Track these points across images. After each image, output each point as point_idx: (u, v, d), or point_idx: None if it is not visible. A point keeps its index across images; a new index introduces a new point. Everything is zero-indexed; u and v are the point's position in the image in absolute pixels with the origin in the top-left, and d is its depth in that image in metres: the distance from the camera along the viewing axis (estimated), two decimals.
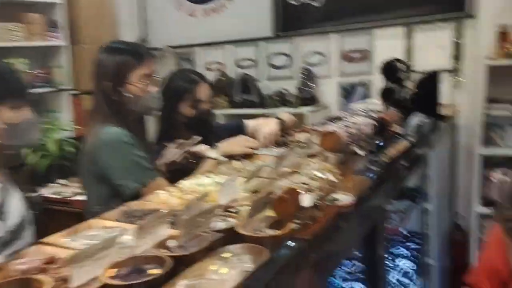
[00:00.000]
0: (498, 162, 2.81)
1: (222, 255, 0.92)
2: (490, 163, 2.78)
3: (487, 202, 2.74)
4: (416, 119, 2.05)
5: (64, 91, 3.65)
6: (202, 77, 2.16)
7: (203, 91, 2.11)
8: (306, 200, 1.01)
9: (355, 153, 1.39)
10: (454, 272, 2.65)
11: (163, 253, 0.92)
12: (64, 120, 3.61)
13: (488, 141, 2.77)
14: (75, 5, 3.70)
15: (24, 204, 1.50)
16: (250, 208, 1.00)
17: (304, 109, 3.32)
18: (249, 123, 2.22)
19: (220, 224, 1.05)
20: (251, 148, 1.88)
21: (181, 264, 0.88)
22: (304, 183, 1.06)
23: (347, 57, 3.42)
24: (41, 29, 3.50)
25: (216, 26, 3.88)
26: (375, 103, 2.68)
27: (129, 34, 4.28)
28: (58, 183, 3.36)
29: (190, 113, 2.06)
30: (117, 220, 1.24)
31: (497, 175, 2.75)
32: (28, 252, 1.05)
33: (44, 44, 3.55)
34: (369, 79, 3.33)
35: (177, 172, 1.70)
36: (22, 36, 3.38)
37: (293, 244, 0.96)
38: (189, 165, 1.78)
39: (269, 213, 1.05)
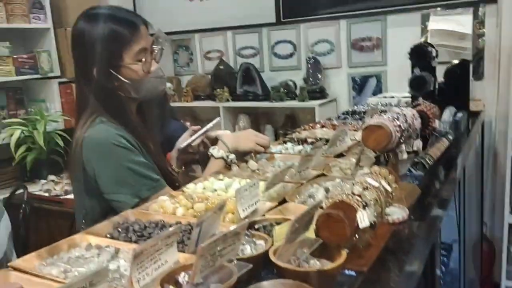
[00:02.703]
0: None
1: None
2: None
3: None
4: (449, 113, 1.81)
5: (52, 78, 3.35)
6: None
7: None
8: (364, 219, 0.75)
9: (399, 154, 1.14)
10: (481, 284, 2.43)
11: None
12: (53, 111, 3.32)
13: None
14: None
15: None
16: (288, 230, 0.74)
17: (312, 103, 3.07)
18: (225, 136, 1.56)
19: (247, 249, 0.80)
20: (260, 146, 1.53)
21: None
22: (354, 194, 0.81)
23: (357, 45, 3.16)
24: (23, 9, 3.19)
25: (215, 11, 3.60)
26: (397, 95, 2.46)
27: None
28: (47, 180, 3.07)
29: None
30: (109, 236, 0.98)
31: None
32: None
33: (27, 27, 3.24)
34: (382, 70, 3.08)
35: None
36: (2, 17, 3.06)
37: (349, 280, 0.71)
38: (206, 153, 1.48)
39: (312, 233, 0.79)
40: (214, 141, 1.54)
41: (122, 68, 1.30)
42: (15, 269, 0.84)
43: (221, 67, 3.53)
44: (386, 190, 0.86)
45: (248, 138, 1.54)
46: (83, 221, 1.32)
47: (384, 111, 1.08)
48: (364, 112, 2.18)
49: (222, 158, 1.43)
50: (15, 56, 3.18)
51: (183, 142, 1.54)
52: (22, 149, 2.94)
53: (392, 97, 2.48)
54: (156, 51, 1.36)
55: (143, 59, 1.32)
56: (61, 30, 3.40)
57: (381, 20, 3.05)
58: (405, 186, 1.10)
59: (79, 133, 1.30)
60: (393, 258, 0.84)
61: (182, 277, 0.71)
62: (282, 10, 3.34)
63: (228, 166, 1.43)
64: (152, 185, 1.28)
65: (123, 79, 1.31)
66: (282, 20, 3.37)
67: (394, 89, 2.91)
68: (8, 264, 0.85)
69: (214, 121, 1.57)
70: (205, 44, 3.74)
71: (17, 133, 2.90)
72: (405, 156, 1.16)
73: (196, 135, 1.54)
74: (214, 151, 1.44)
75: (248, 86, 3.38)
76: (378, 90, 3.07)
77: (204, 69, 3.78)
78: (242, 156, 1.52)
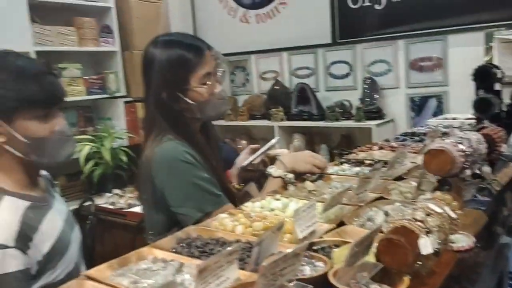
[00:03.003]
0: None
1: None
2: None
3: None
4: None
5: (118, 98, 3.57)
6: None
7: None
8: (427, 245, 0.74)
9: (464, 178, 1.11)
10: None
11: None
12: (118, 128, 3.53)
13: None
14: (126, 10, 3.63)
15: (69, 221, 1.31)
16: (348, 253, 0.75)
17: (368, 123, 3.03)
18: (283, 155, 1.57)
19: (307, 270, 0.81)
20: (317, 167, 1.52)
21: None
22: (416, 219, 0.80)
23: (416, 65, 3.10)
24: (93, 34, 3.44)
25: (270, 33, 3.69)
26: (459, 117, 2.37)
27: None
28: (112, 193, 3.25)
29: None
30: (173, 250, 1.03)
31: None
32: None
33: (97, 50, 3.49)
34: (443, 91, 2.99)
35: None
36: (74, 41, 3.32)
37: None
38: (263, 172, 1.50)
39: (372, 258, 0.79)
40: (273, 159, 1.57)
41: (188, 91, 1.37)
42: (88, 278, 0.90)
43: (277, 87, 3.59)
44: (450, 216, 0.84)
45: (305, 159, 1.54)
46: (151, 232, 1.40)
47: (446, 134, 1.05)
48: (424, 134, 2.12)
49: (280, 177, 1.44)
50: (85, 77, 3.42)
51: (243, 160, 1.59)
52: (90, 163, 3.14)
53: (454, 118, 2.39)
54: (219, 74, 1.43)
55: (208, 82, 1.39)
56: (128, 52, 3.62)
57: (441, 40, 2.98)
58: (471, 213, 1.06)
59: (149, 150, 1.38)
60: (458, 287, 0.81)
61: None
62: (338, 31, 3.36)
63: (285, 185, 1.45)
64: (215, 200, 1.33)
65: (189, 101, 1.38)
66: (338, 40, 3.38)
67: (456, 110, 2.81)
68: (83, 273, 0.92)
69: (274, 140, 1.61)
70: (261, 64, 3.83)
71: (86, 149, 3.10)
72: (469, 181, 1.12)
73: (258, 153, 1.58)
74: (272, 170, 1.46)
75: (303, 105, 3.40)
76: (439, 111, 2.98)
77: (259, 89, 3.86)
78: (298, 176, 1.53)
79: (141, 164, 1.42)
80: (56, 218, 1.24)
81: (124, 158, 3.18)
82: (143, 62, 1.43)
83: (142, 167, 1.41)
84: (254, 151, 1.63)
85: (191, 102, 1.38)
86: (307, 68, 3.57)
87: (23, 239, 1.10)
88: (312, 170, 1.53)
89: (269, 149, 1.59)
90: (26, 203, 1.16)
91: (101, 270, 0.91)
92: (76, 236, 1.32)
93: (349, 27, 3.31)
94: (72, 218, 1.35)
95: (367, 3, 3.18)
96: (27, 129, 1.13)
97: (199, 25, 4.09)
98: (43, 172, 1.33)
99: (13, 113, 1.10)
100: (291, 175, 1.46)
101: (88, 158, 3.12)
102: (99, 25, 3.51)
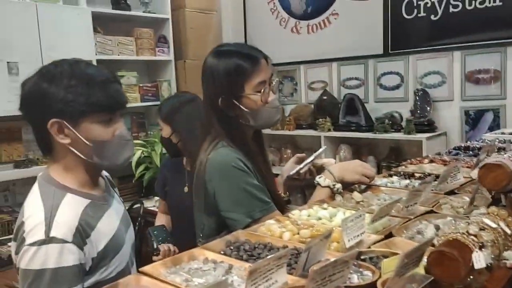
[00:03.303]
0: None
1: None
2: None
3: None
4: None
5: None
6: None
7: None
8: (480, 259, 0.73)
9: None
10: None
11: None
12: None
13: None
14: (181, 20, 3.77)
15: (125, 221, 1.35)
16: (398, 263, 0.75)
17: (419, 136, 2.96)
18: (332, 166, 1.59)
19: (355, 278, 0.82)
20: (367, 177, 1.52)
21: None
22: (469, 234, 0.79)
23: (472, 78, 3.00)
24: (150, 44, 3.60)
25: (321, 43, 3.70)
26: None
27: None
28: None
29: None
30: (222, 252, 1.06)
31: None
32: (124, 283, 0.91)
33: (152, 58, 3.65)
34: (500, 104, 2.87)
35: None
36: (133, 50, 3.50)
37: None
38: (312, 181, 1.52)
39: (421, 269, 0.78)
40: (319, 169, 1.58)
41: (243, 98, 1.42)
42: (144, 274, 0.95)
43: (325, 97, 3.59)
44: (505, 232, 0.82)
45: (355, 169, 1.53)
46: (201, 235, 1.45)
47: (503, 149, 1.02)
48: (479, 148, 2.04)
49: (329, 187, 1.45)
50: (140, 85, 3.59)
51: (290, 169, 1.61)
52: (141, 167, 3.28)
53: (511, 133, 2.29)
54: (273, 83, 1.48)
55: (262, 90, 1.43)
56: (181, 62, 3.76)
57: (500, 52, 2.87)
58: None
59: (203, 155, 1.44)
60: None
61: None
62: (390, 41, 3.31)
63: (333, 195, 1.45)
64: (264, 207, 1.36)
65: (243, 108, 1.42)
66: (390, 51, 3.33)
67: None
68: (139, 269, 0.98)
69: (321, 150, 1.62)
70: (309, 74, 3.84)
71: (138, 153, 3.24)
72: None
73: (305, 162, 1.59)
74: (321, 179, 1.47)
75: (351, 116, 3.37)
76: (495, 126, 2.85)
77: (307, 99, 3.87)
78: (347, 186, 1.53)
79: (195, 169, 1.48)
80: (113, 217, 1.28)
81: None
82: (203, 70, 1.49)
83: (196, 172, 1.47)
84: (300, 160, 1.65)
85: (245, 109, 1.42)
86: (357, 78, 3.55)
87: (81, 236, 1.13)
88: (361, 180, 1.52)
89: (316, 158, 1.60)
90: (86, 201, 1.20)
91: (156, 267, 0.97)
92: (130, 236, 1.36)
93: (402, 37, 3.26)
94: (128, 218, 1.39)
95: (422, 14, 3.12)
96: (91, 133, 1.18)
97: (250, 35, 4.18)
98: (104, 173, 1.39)
99: (81, 117, 1.16)
100: (339, 185, 1.46)
101: (139, 163, 3.25)
102: (156, 35, 3.67)
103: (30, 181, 1.27)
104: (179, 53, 3.79)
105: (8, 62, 2.74)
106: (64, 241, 1.09)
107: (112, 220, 1.27)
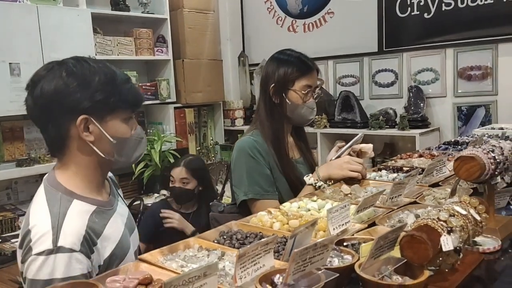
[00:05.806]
0: None
1: None
2: None
3: None
4: None
5: (168, 104, 3.78)
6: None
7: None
8: (448, 243, 0.80)
9: (495, 186, 1.13)
10: None
11: None
12: (168, 132, 3.72)
13: None
14: (179, 20, 3.83)
15: (129, 224, 1.32)
16: (373, 246, 0.82)
17: (412, 131, 3.02)
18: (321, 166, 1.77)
19: (335, 262, 0.89)
20: (356, 172, 1.61)
21: None
22: (440, 219, 0.85)
23: (464, 74, 3.06)
24: (149, 43, 3.67)
25: (316, 41, 3.76)
26: (507, 127, 2.33)
27: (230, 50, 4.35)
28: (159, 193, 3.44)
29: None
30: (215, 241, 1.14)
31: None
32: (124, 269, 0.98)
33: (151, 58, 3.72)
34: (492, 100, 2.93)
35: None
36: (132, 50, 3.56)
37: None
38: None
39: (396, 253, 0.85)
40: (359, 153, 1.75)
41: (289, 91, 1.71)
42: (142, 261, 1.02)
43: (320, 94, 3.64)
44: (474, 218, 0.89)
45: (340, 166, 1.64)
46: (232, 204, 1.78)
47: (484, 143, 1.09)
48: (468, 143, 2.11)
49: (311, 185, 1.62)
50: (140, 84, 3.66)
51: (332, 156, 1.75)
52: (141, 165, 3.35)
53: (502, 128, 2.36)
54: (316, 92, 1.76)
55: (306, 92, 1.71)
56: (179, 61, 3.82)
57: (491, 49, 2.93)
58: (502, 219, 1.09)
59: (238, 139, 1.79)
60: (480, 285, 0.86)
61: (277, 278, 0.83)
62: (385, 39, 3.38)
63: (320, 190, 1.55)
64: (261, 192, 1.64)
65: (287, 100, 1.70)
66: (384, 49, 3.40)
67: (505, 120, 2.75)
68: (138, 256, 1.04)
69: (358, 136, 1.77)
70: None
71: None
72: (501, 188, 1.15)
73: (343, 149, 1.75)
74: (307, 178, 1.65)
75: (346, 113, 3.44)
76: (487, 121, 2.92)
77: None
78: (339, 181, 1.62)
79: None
80: (119, 223, 1.25)
81: (172, 161, 3.35)
82: (268, 59, 1.78)
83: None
84: (340, 148, 1.79)
85: (288, 101, 1.70)
86: (352, 76, 3.61)
87: (88, 244, 1.11)
88: (349, 175, 1.60)
89: (353, 144, 1.75)
90: (93, 207, 1.17)
91: (154, 255, 1.04)
92: (134, 239, 1.34)
93: (396, 35, 3.32)
94: (132, 221, 1.37)
95: (416, 12, 3.19)
96: (117, 130, 1.16)
97: (248, 34, 4.24)
98: (109, 174, 1.37)
99: (109, 114, 1.16)
100: (320, 183, 1.60)
101: (139, 160, 3.31)
102: (155, 35, 3.73)
103: (32, 179, 1.28)
104: (177, 52, 3.85)
105: (10, 63, 2.81)
106: (72, 250, 1.06)
107: (117, 226, 1.24)
